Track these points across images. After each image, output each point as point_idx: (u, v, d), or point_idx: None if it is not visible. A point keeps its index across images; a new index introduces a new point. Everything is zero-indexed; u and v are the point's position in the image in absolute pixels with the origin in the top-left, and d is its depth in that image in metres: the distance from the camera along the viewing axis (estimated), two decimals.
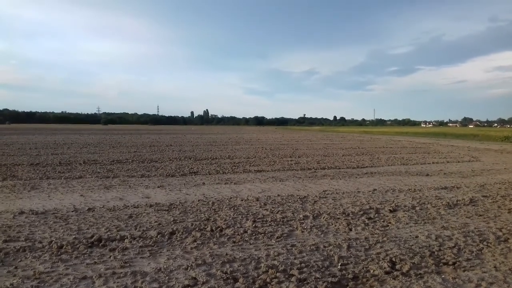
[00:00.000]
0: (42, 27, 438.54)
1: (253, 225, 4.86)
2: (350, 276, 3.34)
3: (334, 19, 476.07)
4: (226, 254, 3.84)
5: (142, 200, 6.39)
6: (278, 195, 6.89)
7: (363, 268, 3.52)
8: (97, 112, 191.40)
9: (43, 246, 3.98)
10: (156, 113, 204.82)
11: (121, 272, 3.36)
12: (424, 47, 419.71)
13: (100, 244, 4.08)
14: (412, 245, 4.15)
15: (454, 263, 3.66)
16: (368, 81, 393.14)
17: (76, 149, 16.91)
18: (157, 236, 4.37)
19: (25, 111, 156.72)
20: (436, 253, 3.93)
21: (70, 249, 3.90)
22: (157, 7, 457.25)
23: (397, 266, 3.57)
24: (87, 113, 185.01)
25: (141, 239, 4.28)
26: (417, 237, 4.47)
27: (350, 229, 4.75)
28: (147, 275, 3.31)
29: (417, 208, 5.90)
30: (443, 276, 3.39)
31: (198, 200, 6.40)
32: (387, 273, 3.42)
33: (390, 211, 5.69)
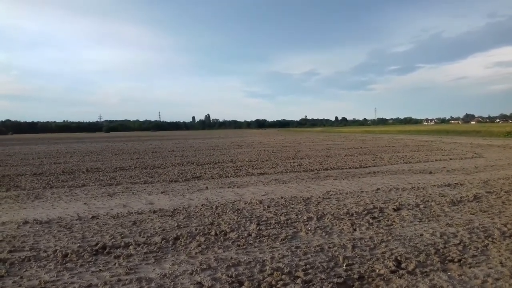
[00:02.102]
0: (43, 37, 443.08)
1: (257, 228, 4.86)
2: (355, 276, 3.33)
3: (333, 19, 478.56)
4: (231, 258, 3.83)
5: (146, 207, 6.40)
6: (282, 197, 6.88)
7: (368, 267, 3.51)
8: (99, 120, 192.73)
9: (48, 255, 3.99)
10: (157, 119, 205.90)
11: (127, 279, 3.37)
12: (424, 44, 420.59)
13: (104, 252, 4.09)
14: (417, 243, 4.13)
15: (459, 260, 3.64)
16: (369, 81, 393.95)
17: (79, 158, 16.98)
18: (161, 242, 4.37)
19: (27, 121, 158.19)
20: (441, 250, 3.91)
21: (75, 258, 3.91)
22: (156, 14, 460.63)
23: (403, 265, 3.55)
24: (89, 121, 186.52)
25: (146, 245, 4.28)
26: (421, 235, 4.45)
27: (355, 229, 4.74)
28: (153, 281, 3.31)
29: (421, 206, 5.88)
30: (449, 273, 3.37)
31: (202, 205, 6.40)
32: (392, 272, 3.40)
33: (394, 210, 5.67)
